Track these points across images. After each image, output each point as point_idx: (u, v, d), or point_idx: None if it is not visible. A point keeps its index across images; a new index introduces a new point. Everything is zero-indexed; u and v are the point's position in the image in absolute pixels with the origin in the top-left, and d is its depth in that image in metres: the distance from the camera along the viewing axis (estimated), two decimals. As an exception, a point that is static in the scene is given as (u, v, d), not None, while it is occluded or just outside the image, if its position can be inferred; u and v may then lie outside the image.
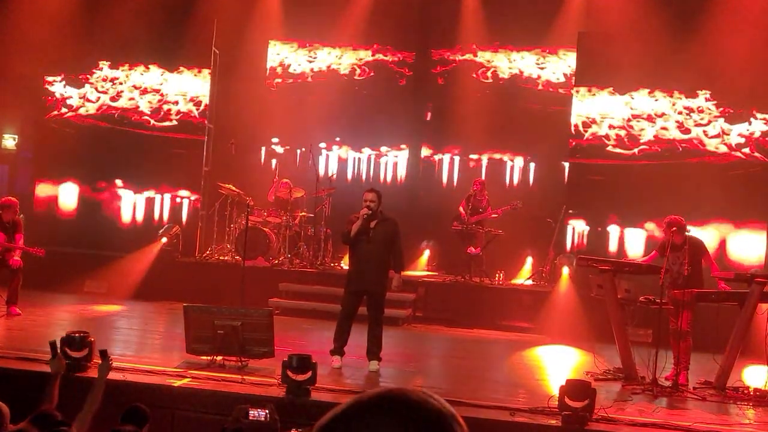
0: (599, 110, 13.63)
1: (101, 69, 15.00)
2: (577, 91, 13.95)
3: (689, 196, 12.62)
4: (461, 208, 14.04)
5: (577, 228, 13.84)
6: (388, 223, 9.66)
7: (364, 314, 12.15)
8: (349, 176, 15.99)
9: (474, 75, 15.49)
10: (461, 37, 15.49)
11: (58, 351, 6.48)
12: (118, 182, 15.10)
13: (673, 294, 9.50)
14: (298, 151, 15.74)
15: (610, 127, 13.53)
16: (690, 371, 9.73)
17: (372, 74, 15.56)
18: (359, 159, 16.15)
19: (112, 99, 15.07)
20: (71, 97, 15.04)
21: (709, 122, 13.16)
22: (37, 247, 11.60)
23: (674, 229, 9.64)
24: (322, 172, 15.03)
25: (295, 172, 15.23)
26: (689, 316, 9.59)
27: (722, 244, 12.98)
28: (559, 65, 15.10)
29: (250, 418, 6.64)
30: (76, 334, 8.46)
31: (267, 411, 6.53)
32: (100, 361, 6.37)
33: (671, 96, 13.36)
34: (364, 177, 16.02)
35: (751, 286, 9.28)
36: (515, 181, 15.38)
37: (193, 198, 15.13)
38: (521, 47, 15.25)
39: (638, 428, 7.81)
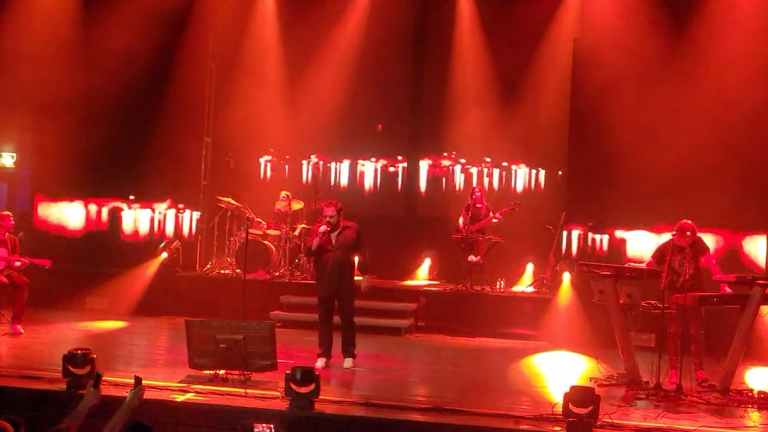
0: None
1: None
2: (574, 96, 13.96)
3: (692, 200, 12.54)
4: (460, 220, 14.03)
5: (579, 234, 13.83)
6: (348, 230, 10.28)
7: (366, 324, 12.24)
8: (349, 186, 15.99)
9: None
10: (457, 43, 15.52)
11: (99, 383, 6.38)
12: (117, 198, 15.08)
13: (675, 298, 9.49)
14: (306, 165, 15.63)
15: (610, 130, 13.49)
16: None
17: (369, 85, 15.55)
18: (358, 169, 16.15)
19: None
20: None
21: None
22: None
23: (688, 233, 9.65)
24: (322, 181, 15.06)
25: (293, 184, 15.23)
26: (697, 318, 9.61)
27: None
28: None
29: (255, 432, 6.60)
30: (78, 351, 8.44)
31: (272, 425, 6.49)
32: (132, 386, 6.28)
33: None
34: (363, 187, 16.02)
35: (752, 289, 9.26)
36: (515, 188, 15.36)
37: (192, 212, 15.11)
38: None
39: (643, 433, 7.81)
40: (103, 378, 6.66)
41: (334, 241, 10.20)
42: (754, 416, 8.63)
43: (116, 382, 8.48)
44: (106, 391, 6.41)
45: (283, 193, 14.82)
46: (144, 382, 8.59)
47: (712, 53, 12.84)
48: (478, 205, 14.05)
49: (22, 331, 11.44)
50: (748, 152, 12.79)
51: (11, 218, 11.77)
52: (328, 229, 10.17)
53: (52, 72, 14.56)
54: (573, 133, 14.01)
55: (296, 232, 14.47)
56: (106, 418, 5.92)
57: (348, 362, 10.23)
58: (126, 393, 7.62)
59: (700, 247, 9.82)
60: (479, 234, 13.93)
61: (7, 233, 11.66)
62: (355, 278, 10.48)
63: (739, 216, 12.85)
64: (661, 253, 9.84)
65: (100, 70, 14.69)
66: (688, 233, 9.66)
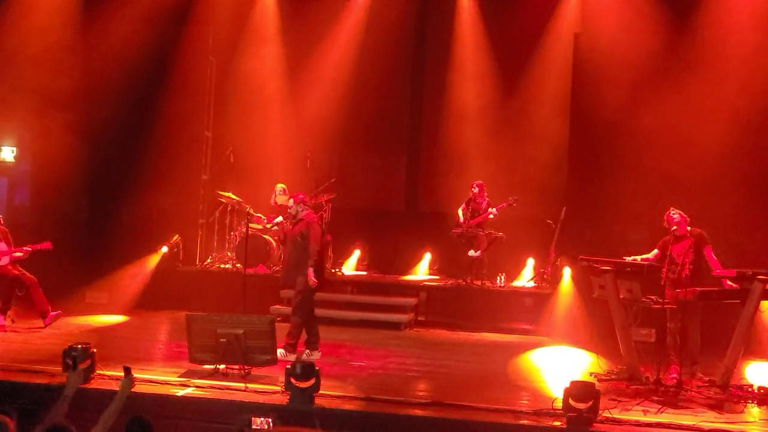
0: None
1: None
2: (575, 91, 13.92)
3: (696, 199, 12.43)
4: (460, 212, 14.04)
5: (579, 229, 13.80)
6: (300, 223, 10.50)
7: (366, 319, 12.24)
8: (349, 181, 15.95)
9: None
10: (457, 38, 15.51)
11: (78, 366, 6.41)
12: (117, 191, 15.05)
13: (675, 293, 9.47)
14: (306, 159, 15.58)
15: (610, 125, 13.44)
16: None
17: (370, 80, 15.51)
18: (359, 163, 16.11)
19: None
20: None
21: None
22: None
23: (674, 228, 9.66)
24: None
25: (294, 178, 15.19)
26: (694, 314, 9.59)
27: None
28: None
29: (254, 427, 6.62)
30: (78, 345, 8.44)
31: (270, 420, 6.51)
32: (122, 376, 6.31)
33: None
34: (363, 182, 15.99)
35: (753, 284, 9.24)
36: (515, 182, 15.27)
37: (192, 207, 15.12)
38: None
39: (643, 428, 7.80)
40: (103, 372, 6.69)
41: (289, 233, 10.55)
42: (754, 411, 8.64)
43: (117, 376, 8.50)
44: (107, 385, 6.42)
45: (279, 186, 14.76)
46: (144, 376, 8.65)
47: (717, 47, 12.74)
48: (479, 200, 14.04)
49: (56, 313, 11.79)
50: (758, 148, 12.65)
51: None
52: (284, 219, 10.56)
53: (53, 66, 14.51)
54: (574, 128, 13.96)
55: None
56: (100, 411, 5.95)
57: (280, 351, 9.82)
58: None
59: (701, 239, 9.78)
60: (478, 229, 13.92)
61: None
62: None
63: (745, 217, 12.72)
64: (664, 245, 9.80)
65: (101, 65, 14.65)
66: (674, 228, 9.64)
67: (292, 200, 10.69)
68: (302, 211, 10.55)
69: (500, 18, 15.21)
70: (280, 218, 10.59)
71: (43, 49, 14.46)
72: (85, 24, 14.64)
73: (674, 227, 9.67)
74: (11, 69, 14.51)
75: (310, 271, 10.32)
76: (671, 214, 9.79)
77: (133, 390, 8.14)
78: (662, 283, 9.38)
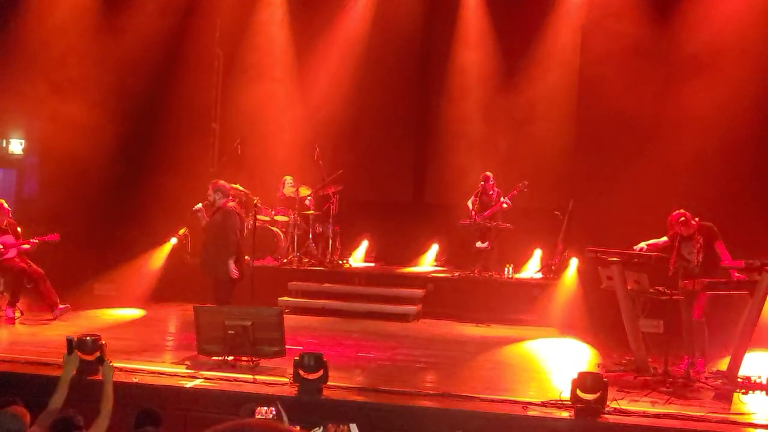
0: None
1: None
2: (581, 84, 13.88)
3: (708, 185, 12.37)
4: (470, 204, 14.04)
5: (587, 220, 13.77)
6: (218, 212, 10.34)
7: (374, 311, 12.24)
8: (356, 173, 15.93)
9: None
10: (462, 27, 15.49)
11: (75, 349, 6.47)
12: (125, 184, 15.08)
13: (683, 284, 9.46)
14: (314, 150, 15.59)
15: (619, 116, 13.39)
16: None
17: (377, 71, 15.50)
18: (366, 155, 16.10)
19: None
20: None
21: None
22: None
23: (682, 220, 9.64)
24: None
25: (301, 170, 15.20)
26: (702, 304, 9.58)
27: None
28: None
29: (257, 416, 6.63)
30: (87, 337, 8.47)
31: (274, 409, 6.52)
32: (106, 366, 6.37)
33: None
34: (370, 173, 15.98)
35: (761, 275, 9.22)
36: (523, 174, 15.24)
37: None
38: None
39: (651, 419, 7.79)
40: (112, 365, 6.72)
41: (207, 223, 10.42)
42: (762, 402, 8.62)
43: (125, 368, 8.55)
44: (115, 377, 6.45)
45: (288, 178, 14.80)
46: (153, 368, 8.69)
47: (734, 34, 12.60)
48: (489, 192, 14.04)
49: (64, 307, 11.76)
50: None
51: (4, 204, 11.79)
52: (201, 207, 10.39)
53: (61, 60, 14.54)
54: (582, 119, 13.91)
55: (304, 219, 14.48)
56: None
57: None
58: (133, 379, 7.70)
59: (711, 235, 9.76)
60: (490, 221, 13.91)
61: (6, 220, 11.69)
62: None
63: (757, 208, 12.64)
64: (674, 237, 9.77)
65: (109, 57, 14.67)
66: (689, 220, 9.64)
67: (209, 187, 10.46)
68: (220, 199, 10.35)
69: (507, 9, 15.17)
70: (199, 205, 10.40)
71: (51, 43, 14.47)
72: (92, 17, 14.64)
73: (681, 220, 9.66)
74: (19, 62, 14.52)
75: (231, 262, 10.19)
76: (672, 220, 9.79)
77: (142, 382, 8.24)
78: (670, 274, 9.36)
